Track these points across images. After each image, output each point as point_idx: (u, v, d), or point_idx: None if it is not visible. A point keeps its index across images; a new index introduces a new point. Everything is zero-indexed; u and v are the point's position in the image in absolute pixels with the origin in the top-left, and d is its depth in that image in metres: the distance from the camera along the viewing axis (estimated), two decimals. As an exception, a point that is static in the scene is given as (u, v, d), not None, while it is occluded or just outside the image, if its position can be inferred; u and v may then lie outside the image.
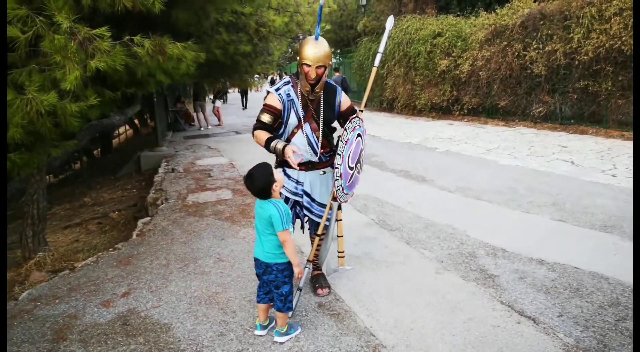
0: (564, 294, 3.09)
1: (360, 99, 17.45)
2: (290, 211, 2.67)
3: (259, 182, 2.54)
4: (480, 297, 3.09)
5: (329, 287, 3.31)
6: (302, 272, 2.70)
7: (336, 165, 2.90)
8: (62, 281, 3.79)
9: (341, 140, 2.89)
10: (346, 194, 3.06)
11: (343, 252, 3.57)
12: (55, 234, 6.21)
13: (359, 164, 3.17)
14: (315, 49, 2.86)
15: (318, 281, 3.33)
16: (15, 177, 4.33)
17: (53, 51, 2.73)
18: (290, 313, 2.75)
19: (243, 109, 21.05)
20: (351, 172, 3.06)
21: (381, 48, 3.14)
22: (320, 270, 3.41)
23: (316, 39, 2.91)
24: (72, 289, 3.60)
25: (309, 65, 2.86)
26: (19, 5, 2.64)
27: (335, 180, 2.93)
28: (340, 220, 3.40)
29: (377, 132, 11.11)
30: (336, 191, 2.98)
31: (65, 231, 6.44)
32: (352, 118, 2.98)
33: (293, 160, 2.75)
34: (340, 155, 2.88)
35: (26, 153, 3.26)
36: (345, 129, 2.94)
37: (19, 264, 4.81)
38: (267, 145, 2.91)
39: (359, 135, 3.05)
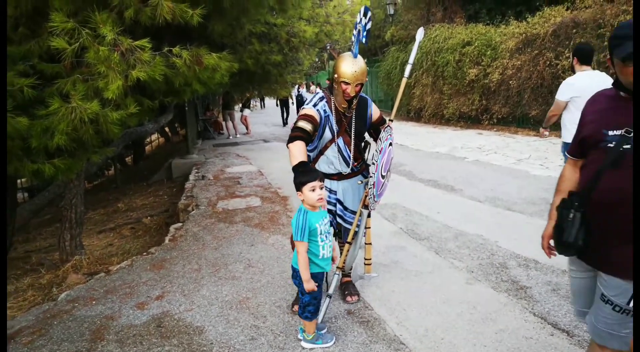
0: (599, 307, 3.02)
1: (387, 108, 17.41)
2: (305, 224, 2.54)
3: (293, 179, 2.61)
4: (512, 308, 3.06)
5: (358, 295, 3.32)
6: (311, 288, 2.59)
7: (370, 174, 2.93)
8: (98, 283, 3.92)
9: (376, 150, 2.91)
10: (376, 202, 3.08)
11: (370, 259, 3.57)
12: (90, 238, 6.41)
13: (388, 172, 3.20)
14: (354, 68, 2.84)
15: (347, 288, 3.35)
16: (57, 181, 4.50)
17: (97, 62, 2.86)
18: (308, 321, 2.71)
19: (284, 125, 17.62)
20: (383, 180, 3.09)
21: (411, 59, 3.14)
22: (350, 277, 3.43)
23: (355, 56, 2.90)
24: (108, 291, 3.72)
25: (348, 83, 2.85)
26: (67, 19, 2.78)
27: (369, 188, 2.96)
28: (369, 228, 3.41)
29: (404, 141, 11.08)
30: (368, 199, 3.00)
31: (100, 235, 6.63)
32: (385, 127, 3.01)
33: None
34: (374, 164, 2.91)
35: (68, 159, 3.40)
36: (380, 139, 2.96)
37: (57, 266, 4.99)
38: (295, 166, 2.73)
39: (390, 144, 3.08)
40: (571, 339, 2.68)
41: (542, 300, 3.14)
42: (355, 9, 9.76)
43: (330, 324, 2.97)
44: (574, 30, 9.52)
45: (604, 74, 4.37)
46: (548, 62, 10.03)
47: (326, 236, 2.64)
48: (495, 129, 11.99)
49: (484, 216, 5.12)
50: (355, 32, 2.95)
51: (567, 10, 10.39)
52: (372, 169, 2.91)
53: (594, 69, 4.49)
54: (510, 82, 10.99)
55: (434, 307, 3.14)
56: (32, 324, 3.27)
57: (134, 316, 3.27)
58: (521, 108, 11.10)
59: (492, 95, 11.94)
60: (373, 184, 2.94)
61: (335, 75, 2.91)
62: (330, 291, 3.07)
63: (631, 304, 1.74)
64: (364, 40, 2.89)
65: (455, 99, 13.08)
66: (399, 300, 3.27)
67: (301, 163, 2.65)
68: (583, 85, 4.15)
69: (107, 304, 3.49)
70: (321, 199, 2.55)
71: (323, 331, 2.83)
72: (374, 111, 3.20)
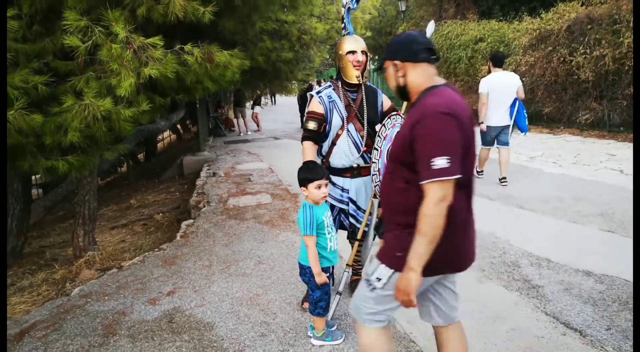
0: (612, 307, 2.98)
1: (397, 105, 17.27)
2: (312, 219, 2.59)
3: (297, 174, 2.67)
4: (523, 308, 3.03)
5: (369, 293, 3.30)
6: (324, 281, 2.62)
7: (374, 160, 2.82)
8: (111, 279, 3.96)
9: (379, 136, 2.83)
10: (383, 189, 3.04)
11: (382, 258, 3.56)
12: (103, 234, 6.47)
13: None
14: (355, 39, 3.03)
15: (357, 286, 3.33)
16: (72, 177, 4.56)
17: (110, 59, 2.89)
18: (321, 318, 2.73)
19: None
20: None
21: None
22: (360, 275, 3.42)
23: (351, 34, 3.10)
24: (121, 287, 3.76)
25: (355, 51, 2.96)
26: (81, 17, 2.81)
27: (373, 175, 2.86)
28: (381, 224, 3.39)
29: (415, 138, 11.00)
30: (375, 186, 2.94)
31: (112, 232, 6.69)
32: (392, 115, 2.95)
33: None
34: (377, 150, 2.81)
35: (82, 156, 3.44)
36: (384, 125, 2.88)
37: (70, 262, 5.05)
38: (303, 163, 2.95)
39: (398, 132, 3.03)
40: (584, 338, 2.65)
41: (554, 299, 3.11)
42: (366, 6, 9.72)
43: (340, 322, 2.98)
44: (589, 26, 9.38)
45: (512, 73, 6.20)
46: (562, 59, 9.90)
47: (332, 228, 2.70)
48: (507, 127, 11.87)
49: (496, 213, 5.08)
50: (345, 16, 3.15)
51: (581, 5, 10.24)
52: (375, 154, 2.80)
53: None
54: (524, 78, 10.84)
55: (444, 306, 3.12)
56: (46, 318, 3.32)
57: (145, 311, 3.30)
58: (534, 105, 10.97)
59: (504, 92, 11.82)
60: (378, 170, 2.85)
61: (340, 53, 3.02)
62: (340, 288, 3.07)
63: (372, 275, 1.93)
64: (355, 5, 3.10)
65: (467, 96, 12.98)
66: (409, 298, 3.26)
67: (309, 161, 2.80)
68: (495, 82, 5.97)
69: (119, 299, 3.53)
70: (325, 196, 2.64)
71: (333, 328, 2.83)
72: (385, 100, 3.23)
